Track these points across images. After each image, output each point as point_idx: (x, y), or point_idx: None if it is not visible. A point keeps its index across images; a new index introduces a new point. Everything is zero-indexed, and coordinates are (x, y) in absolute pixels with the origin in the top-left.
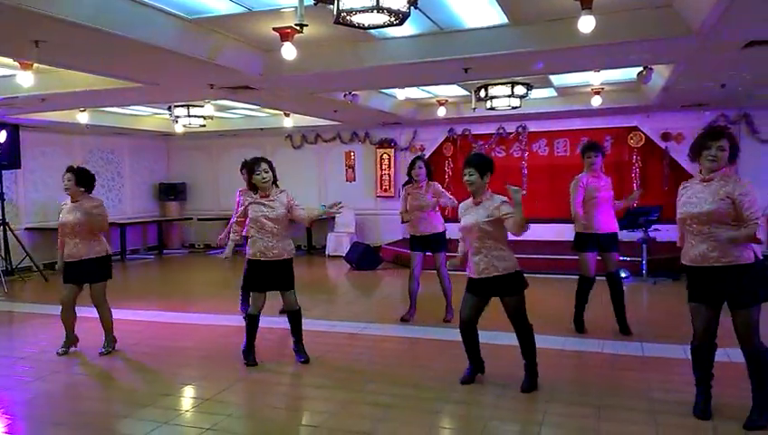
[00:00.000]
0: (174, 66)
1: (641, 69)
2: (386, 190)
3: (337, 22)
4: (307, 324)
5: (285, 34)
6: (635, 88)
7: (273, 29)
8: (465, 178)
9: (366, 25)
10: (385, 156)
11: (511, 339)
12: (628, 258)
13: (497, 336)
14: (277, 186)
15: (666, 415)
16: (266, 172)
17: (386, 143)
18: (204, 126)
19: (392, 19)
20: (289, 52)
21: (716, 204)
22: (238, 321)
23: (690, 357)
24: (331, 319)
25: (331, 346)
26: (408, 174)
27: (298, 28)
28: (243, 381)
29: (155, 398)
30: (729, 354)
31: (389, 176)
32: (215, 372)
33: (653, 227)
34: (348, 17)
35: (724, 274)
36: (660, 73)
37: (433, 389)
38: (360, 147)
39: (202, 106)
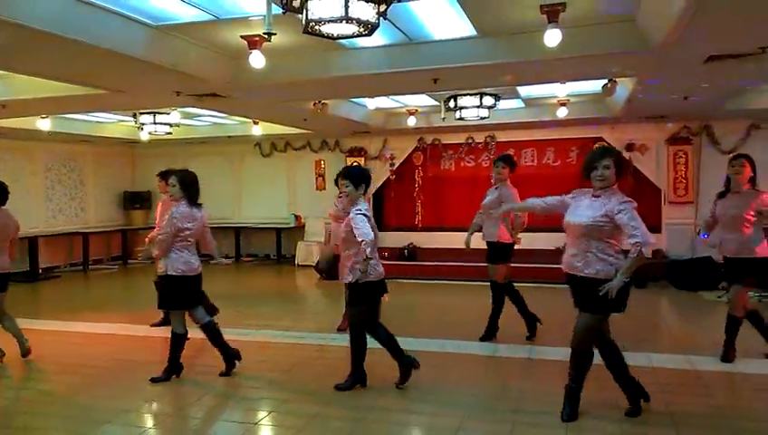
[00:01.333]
0: (139, 73)
1: (606, 81)
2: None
3: (306, 31)
4: (276, 336)
5: (253, 43)
6: (600, 100)
7: (241, 37)
8: (342, 188)
9: (335, 35)
10: (355, 165)
11: (474, 348)
12: None
13: (465, 346)
14: (191, 200)
15: (633, 423)
16: (173, 186)
17: (356, 152)
18: (170, 133)
19: (361, 30)
20: (257, 60)
21: (595, 221)
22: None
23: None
24: (300, 330)
25: (300, 358)
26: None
27: (266, 37)
28: (208, 395)
29: (116, 414)
30: (652, 359)
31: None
32: (178, 386)
33: None
34: (317, 27)
35: (584, 283)
36: (624, 86)
37: (403, 400)
38: (331, 155)
39: (168, 113)
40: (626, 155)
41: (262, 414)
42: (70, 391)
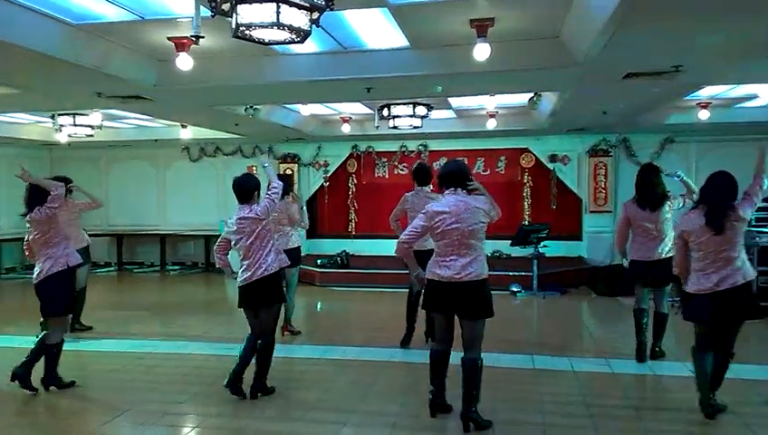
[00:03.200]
0: (57, 73)
1: (532, 95)
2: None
3: (236, 36)
4: (202, 348)
5: (181, 45)
6: (526, 112)
7: (168, 39)
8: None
9: (266, 41)
10: (289, 171)
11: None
12: (520, 273)
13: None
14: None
15: (556, 427)
16: None
17: (290, 158)
18: (91, 136)
19: (293, 36)
20: (184, 62)
21: None
22: (129, 347)
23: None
24: (228, 341)
25: (227, 370)
26: None
27: (194, 39)
28: (129, 411)
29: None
30: (572, 363)
31: (293, 191)
32: (94, 402)
33: (542, 243)
34: (247, 32)
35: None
36: (549, 100)
37: (334, 411)
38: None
39: (87, 115)
40: (550, 166)
41: (186, 430)
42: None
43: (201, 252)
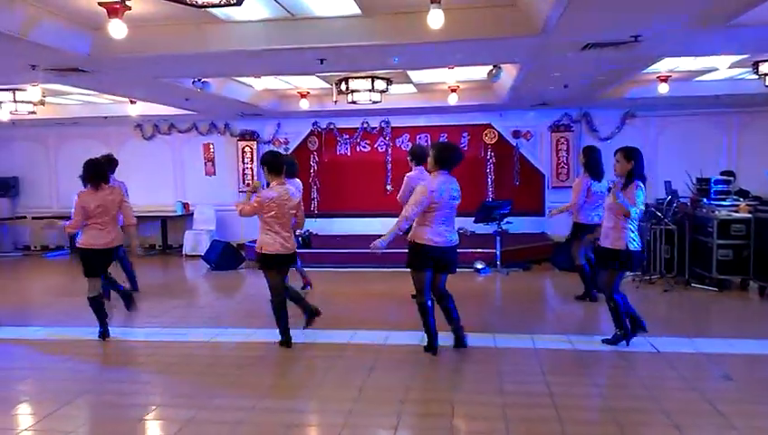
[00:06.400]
0: None
1: (491, 67)
2: (248, 185)
3: None
4: (156, 334)
5: (113, 11)
6: (488, 87)
7: (99, 4)
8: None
9: (200, 4)
10: (247, 149)
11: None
12: (484, 250)
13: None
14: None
15: (515, 407)
16: None
17: (248, 135)
18: (34, 113)
19: None
20: (117, 30)
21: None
22: (85, 334)
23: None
24: (183, 326)
25: (180, 357)
26: None
27: (126, 4)
28: (70, 405)
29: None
30: (534, 340)
31: (252, 170)
32: (48, 391)
33: (506, 220)
34: None
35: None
36: (509, 73)
37: (286, 398)
38: (220, 139)
39: (25, 90)
40: (512, 142)
41: (132, 422)
42: None
43: (158, 233)
